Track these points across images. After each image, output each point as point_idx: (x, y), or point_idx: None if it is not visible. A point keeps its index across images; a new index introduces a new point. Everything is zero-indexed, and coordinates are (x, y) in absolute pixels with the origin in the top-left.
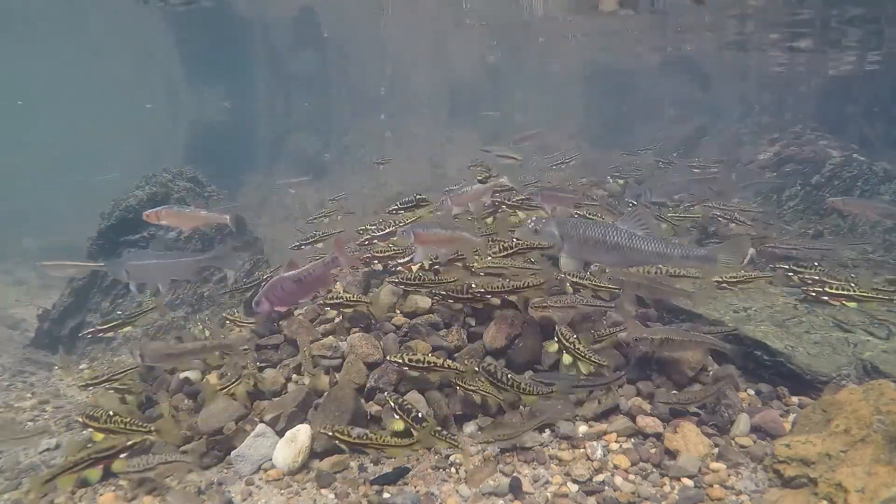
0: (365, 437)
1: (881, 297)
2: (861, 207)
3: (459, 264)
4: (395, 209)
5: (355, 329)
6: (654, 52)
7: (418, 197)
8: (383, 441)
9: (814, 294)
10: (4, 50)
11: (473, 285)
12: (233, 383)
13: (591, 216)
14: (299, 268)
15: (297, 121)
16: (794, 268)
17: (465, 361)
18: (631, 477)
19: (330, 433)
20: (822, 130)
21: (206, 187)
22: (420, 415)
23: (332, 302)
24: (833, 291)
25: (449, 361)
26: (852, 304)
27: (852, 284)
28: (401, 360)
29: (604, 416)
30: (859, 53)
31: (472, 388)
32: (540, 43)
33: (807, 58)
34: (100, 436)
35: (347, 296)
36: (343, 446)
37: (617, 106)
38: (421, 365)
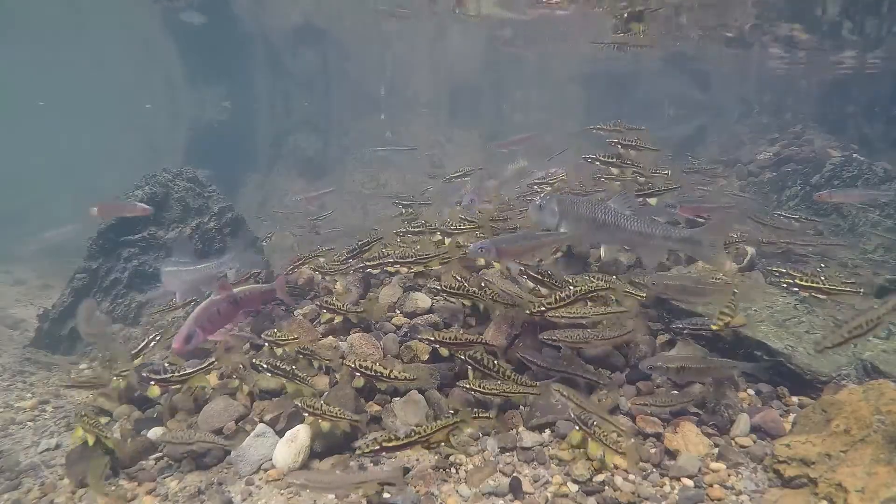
0: (413, 434)
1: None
2: (847, 197)
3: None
4: (348, 257)
5: (355, 329)
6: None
7: (361, 242)
8: (431, 430)
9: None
10: (4, 51)
11: None
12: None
13: None
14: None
15: (297, 121)
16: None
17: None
18: (631, 477)
19: (378, 447)
20: (822, 130)
21: (207, 187)
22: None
23: (328, 306)
24: (803, 284)
25: (397, 371)
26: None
27: (822, 278)
28: (353, 365)
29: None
30: (859, 53)
31: (491, 391)
32: (540, 42)
33: (807, 55)
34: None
35: (339, 304)
36: (394, 453)
37: (617, 106)
38: (368, 372)
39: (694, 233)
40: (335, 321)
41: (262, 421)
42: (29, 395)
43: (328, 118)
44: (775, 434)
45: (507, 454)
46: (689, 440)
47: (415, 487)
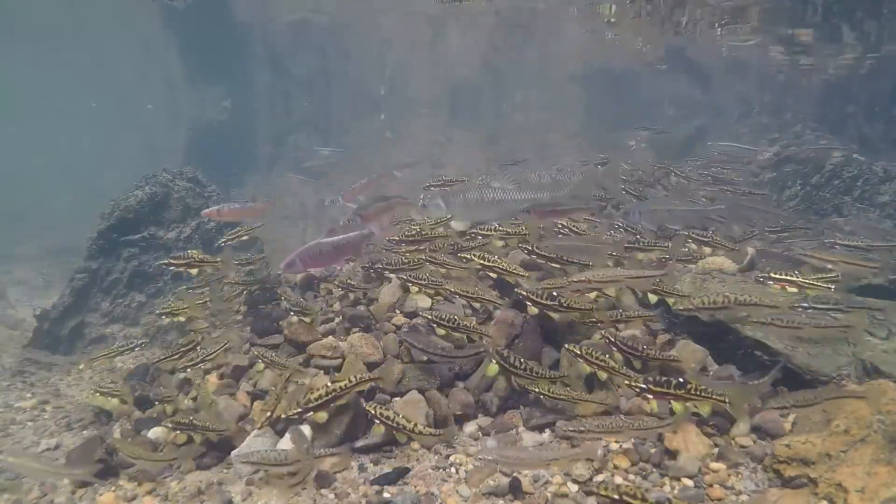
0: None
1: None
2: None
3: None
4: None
5: (355, 329)
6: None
7: None
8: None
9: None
10: (4, 51)
11: None
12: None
13: None
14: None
15: (297, 121)
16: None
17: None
18: (631, 477)
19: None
20: (822, 130)
21: (207, 187)
22: None
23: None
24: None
25: (421, 426)
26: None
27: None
28: (373, 412)
29: (604, 415)
30: (859, 52)
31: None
32: (540, 42)
33: (807, 54)
34: None
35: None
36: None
37: (617, 106)
38: (390, 423)
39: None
40: (335, 321)
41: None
42: (29, 395)
43: (328, 118)
44: (775, 434)
45: None
46: (689, 440)
47: (415, 487)
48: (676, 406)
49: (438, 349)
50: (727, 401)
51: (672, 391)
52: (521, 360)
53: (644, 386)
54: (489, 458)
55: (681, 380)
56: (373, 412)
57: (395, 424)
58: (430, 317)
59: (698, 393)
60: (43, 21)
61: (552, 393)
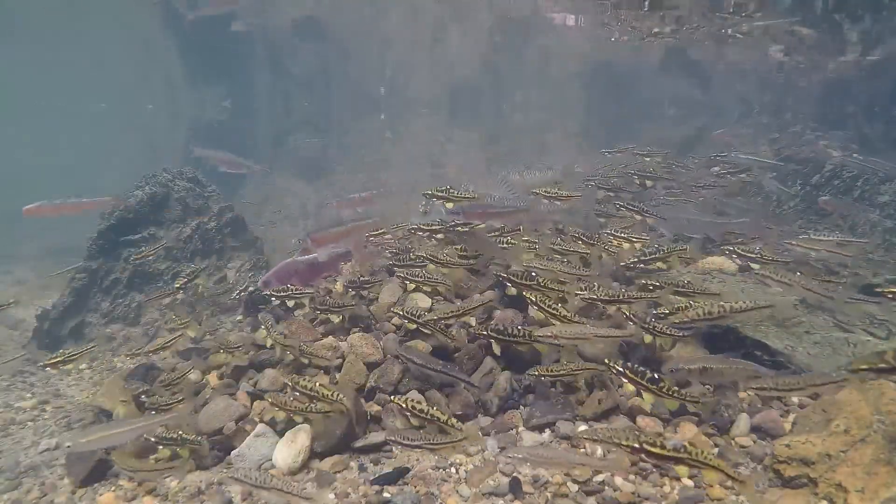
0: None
1: None
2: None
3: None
4: None
5: (355, 329)
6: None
7: None
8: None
9: None
10: (4, 51)
11: None
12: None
13: None
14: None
15: (297, 121)
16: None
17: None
18: (631, 477)
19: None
20: (822, 130)
21: (207, 187)
22: None
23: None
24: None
25: (454, 420)
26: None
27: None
28: (403, 405)
29: (604, 415)
30: (859, 52)
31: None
32: (540, 41)
33: (807, 53)
34: None
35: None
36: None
37: (618, 106)
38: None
39: None
40: (335, 321)
41: (262, 421)
42: (29, 395)
43: (328, 118)
44: (775, 434)
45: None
46: (689, 440)
47: (415, 487)
48: (646, 397)
49: (438, 365)
50: (699, 401)
51: (643, 382)
52: (519, 328)
53: (621, 369)
54: (519, 456)
55: (655, 375)
56: (403, 405)
57: (428, 416)
58: (399, 312)
59: (669, 392)
60: (43, 21)
61: (552, 372)
